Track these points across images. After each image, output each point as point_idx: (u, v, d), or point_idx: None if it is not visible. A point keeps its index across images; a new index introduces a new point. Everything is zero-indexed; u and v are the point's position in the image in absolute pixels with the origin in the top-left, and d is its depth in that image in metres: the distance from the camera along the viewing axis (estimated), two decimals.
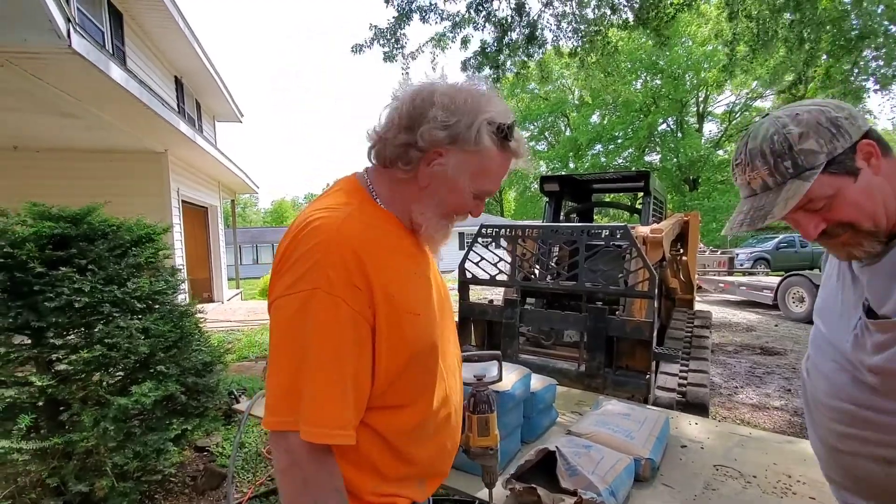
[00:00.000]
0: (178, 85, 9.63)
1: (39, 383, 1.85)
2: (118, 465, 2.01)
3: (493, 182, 0.91)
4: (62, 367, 1.92)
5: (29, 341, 1.99)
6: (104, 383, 2.04)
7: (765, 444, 1.92)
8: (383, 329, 0.79)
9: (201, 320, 2.74)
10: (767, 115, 0.83)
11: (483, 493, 1.56)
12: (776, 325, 7.77)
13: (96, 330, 2.03)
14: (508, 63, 6.63)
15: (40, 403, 1.90)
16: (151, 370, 2.27)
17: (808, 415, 0.94)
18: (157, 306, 2.39)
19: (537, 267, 3.05)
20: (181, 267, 5.81)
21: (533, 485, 1.43)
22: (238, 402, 3.49)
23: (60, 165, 6.21)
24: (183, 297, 2.68)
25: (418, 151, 0.85)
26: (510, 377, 1.75)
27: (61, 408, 2.02)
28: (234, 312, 9.11)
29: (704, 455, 1.83)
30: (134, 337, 2.14)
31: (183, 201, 7.73)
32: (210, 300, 9.92)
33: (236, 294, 11.99)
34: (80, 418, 1.92)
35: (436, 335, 0.90)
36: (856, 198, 0.74)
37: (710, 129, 27.97)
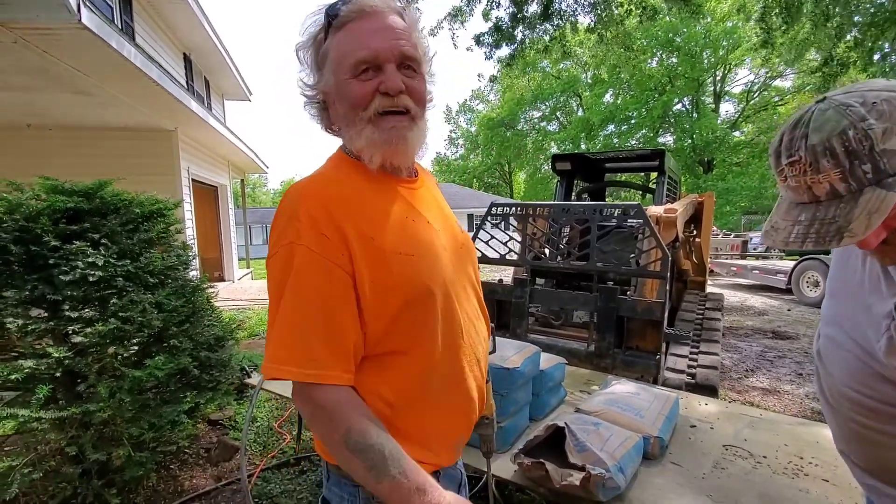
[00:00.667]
0: (187, 62, 9.56)
1: (57, 355, 1.88)
2: (134, 435, 2.06)
3: (364, 45, 0.81)
4: (78, 339, 1.95)
5: (45, 314, 2.02)
6: (119, 356, 2.08)
7: (776, 425, 1.91)
8: (364, 272, 0.80)
9: (212, 296, 2.76)
10: (824, 99, 0.67)
11: (493, 467, 1.57)
12: (789, 310, 7.68)
13: (111, 304, 2.06)
14: (526, 41, 6.46)
15: (58, 375, 1.93)
16: (165, 344, 2.30)
17: (823, 397, 0.91)
18: (169, 281, 2.41)
19: (548, 246, 3.02)
20: (192, 244, 5.86)
21: (541, 460, 1.43)
22: (249, 377, 3.55)
23: (72, 143, 6.25)
24: (194, 274, 2.70)
25: (315, 104, 0.90)
26: (519, 354, 1.75)
27: (78, 379, 2.06)
28: (245, 291, 9.22)
29: (714, 435, 1.83)
30: (147, 311, 2.17)
31: (193, 180, 7.75)
32: (221, 279, 10.05)
33: (247, 273, 12.11)
34: (97, 390, 1.95)
35: (439, 278, 0.88)
36: None
37: (727, 109, 27.28)
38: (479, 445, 1.18)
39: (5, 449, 2.20)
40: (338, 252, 0.79)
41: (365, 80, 0.81)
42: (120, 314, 2.07)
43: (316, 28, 0.86)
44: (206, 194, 9.73)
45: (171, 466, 2.63)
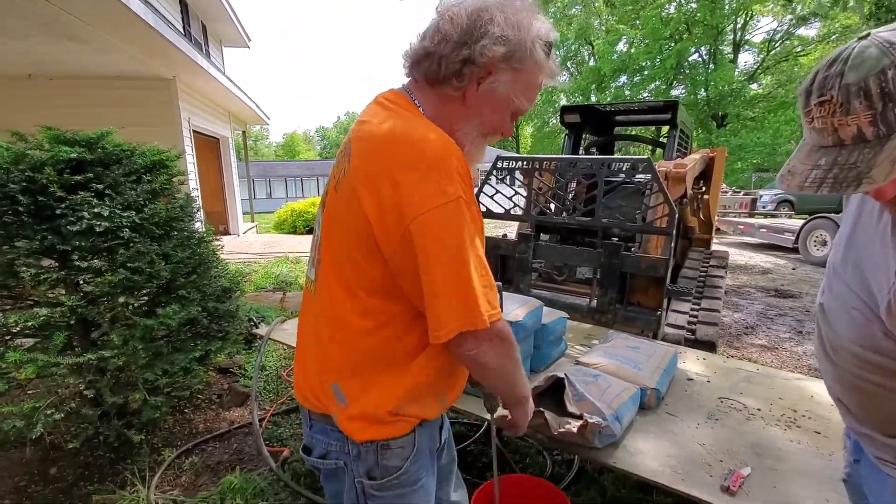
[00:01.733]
0: (184, 6, 9.16)
1: (69, 303, 1.93)
2: (149, 380, 2.14)
3: (532, 99, 0.92)
4: (89, 288, 1.99)
5: (56, 264, 2.05)
6: (130, 305, 2.12)
7: (772, 380, 1.95)
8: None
9: (218, 248, 2.78)
10: (867, 35, 0.62)
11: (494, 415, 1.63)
12: (794, 269, 7.68)
13: (118, 254, 2.08)
14: None
15: (72, 323, 1.99)
16: (173, 294, 2.35)
17: (822, 351, 0.92)
18: (174, 233, 2.42)
19: (553, 202, 2.99)
20: (196, 196, 5.85)
21: (541, 409, 1.48)
22: (257, 327, 3.64)
23: (73, 93, 6.14)
24: (199, 226, 2.71)
25: (474, 67, 0.84)
26: (522, 308, 1.77)
27: (92, 328, 2.12)
28: (251, 245, 9.29)
29: (710, 388, 1.87)
30: (155, 262, 2.19)
31: (194, 131, 7.63)
32: (226, 233, 10.11)
33: (251, 227, 12.17)
34: (110, 337, 2.01)
35: None
36: None
37: (745, 60, 26.07)
38: (484, 402, 1.22)
39: (28, 392, 2.30)
40: (475, 211, 0.85)
41: (507, 118, 0.93)
42: (128, 265, 2.10)
43: (536, 34, 0.85)
44: (208, 146, 9.61)
45: (186, 410, 2.75)
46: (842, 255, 0.86)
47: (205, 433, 2.56)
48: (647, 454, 1.42)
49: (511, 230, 4.05)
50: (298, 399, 0.99)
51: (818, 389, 1.85)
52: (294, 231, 12.11)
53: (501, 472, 1.76)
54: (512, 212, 3.04)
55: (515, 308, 1.76)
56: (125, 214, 2.13)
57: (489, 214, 3.13)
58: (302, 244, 9.69)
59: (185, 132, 6.98)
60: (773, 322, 4.88)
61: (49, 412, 1.91)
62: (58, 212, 1.98)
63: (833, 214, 8.90)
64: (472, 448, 2.41)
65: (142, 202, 2.24)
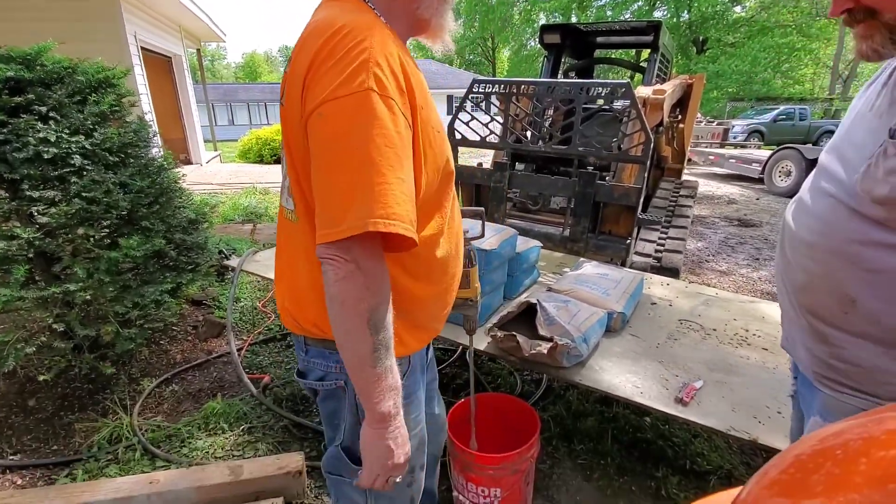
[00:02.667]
0: None
1: (25, 236, 1.82)
2: (120, 313, 2.11)
3: None
4: (44, 220, 1.88)
5: (6, 195, 1.92)
6: (91, 238, 2.03)
7: (728, 303, 2.07)
8: (419, 138, 0.78)
9: (180, 176, 2.64)
10: None
11: (466, 340, 1.69)
12: (758, 199, 7.95)
13: (72, 183, 1.95)
14: None
15: (31, 256, 1.90)
16: (136, 226, 2.25)
17: (781, 259, 0.91)
18: (130, 160, 2.27)
19: (530, 129, 2.92)
20: (150, 121, 5.47)
21: (513, 332, 1.54)
22: (228, 259, 3.58)
23: (4, 5, 5.40)
24: (157, 152, 2.54)
25: None
26: (497, 237, 1.78)
27: (52, 261, 2.03)
28: (215, 175, 8.90)
29: (671, 311, 1.98)
30: (112, 192, 2.07)
31: (142, 48, 6.95)
32: (187, 162, 9.59)
33: (215, 156, 11.57)
34: (74, 270, 1.94)
35: (450, 157, 0.91)
36: None
37: None
38: (461, 323, 1.26)
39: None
40: (408, 112, 0.75)
41: None
42: (83, 194, 1.97)
43: None
44: (160, 65, 8.81)
45: (162, 342, 2.76)
46: (828, 148, 0.85)
47: (183, 363, 2.59)
48: (610, 372, 1.52)
49: (486, 158, 3.98)
50: (290, 327, 0.97)
51: (770, 311, 1.98)
52: (261, 160, 11.58)
53: (476, 392, 1.87)
54: (488, 139, 2.97)
55: (490, 237, 1.78)
56: (73, 139, 1.97)
57: (464, 142, 3.05)
58: (270, 174, 9.34)
59: (132, 48, 6.35)
60: (734, 250, 5.12)
61: (19, 346, 1.88)
62: (0, 137, 1.81)
63: (800, 145, 9.09)
64: (448, 371, 2.54)
65: (90, 126, 2.07)
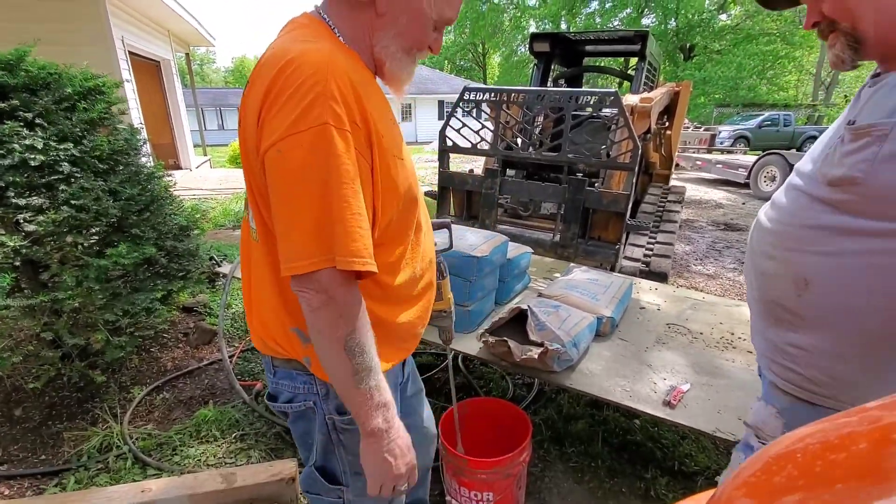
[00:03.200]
0: None
1: (12, 244, 1.81)
2: (109, 321, 2.09)
3: (454, 8, 0.85)
4: (31, 228, 1.87)
5: None
6: (79, 245, 2.02)
7: (715, 307, 2.11)
8: (377, 169, 0.79)
9: (171, 184, 2.63)
10: None
11: (461, 346, 1.71)
12: (744, 203, 8.08)
13: (60, 190, 1.94)
14: None
15: (17, 264, 1.88)
16: (126, 234, 2.24)
17: (748, 254, 0.95)
18: (120, 167, 2.26)
19: (520, 136, 2.96)
20: (140, 128, 5.44)
21: (504, 338, 1.56)
22: (219, 265, 3.56)
23: None
24: (146, 160, 2.53)
25: None
26: (488, 244, 1.80)
27: (40, 269, 2.01)
28: (205, 180, 8.84)
29: (659, 315, 2.02)
30: (102, 199, 2.06)
31: (130, 53, 6.90)
32: (177, 167, 9.51)
33: (204, 161, 11.49)
34: (62, 278, 1.93)
35: (416, 183, 0.91)
36: None
37: None
38: (440, 335, 1.27)
39: None
40: (365, 143, 0.76)
41: (433, 32, 0.86)
42: (72, 202, 1.96)
43: None
44: (148, 70, 8.75)
45: (152, 349, 2.74)
46: (803, 162, 0.89)
47: (174, 371, 2.58)
48: (600, 375, 1.55)
49: (477, 165, 4.01)
50: (258, 347, 0.97)
51: None
52: None
53: (468, 396, 1.88)
54: (479, 146, 3.00)
55: (482, 243, 1.80)
56: (62, 147, 1.96)
57: (455, 149, 3.07)
58: None
59: (120, 53, 6.30)
60: (721, 254, 5.20)
61: (5, 355, 1.86)
62: None
63: (785, 151, 9.26)
64: (439, 376, 2.55)
65: (79, 133, 2.06)
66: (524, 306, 1.66)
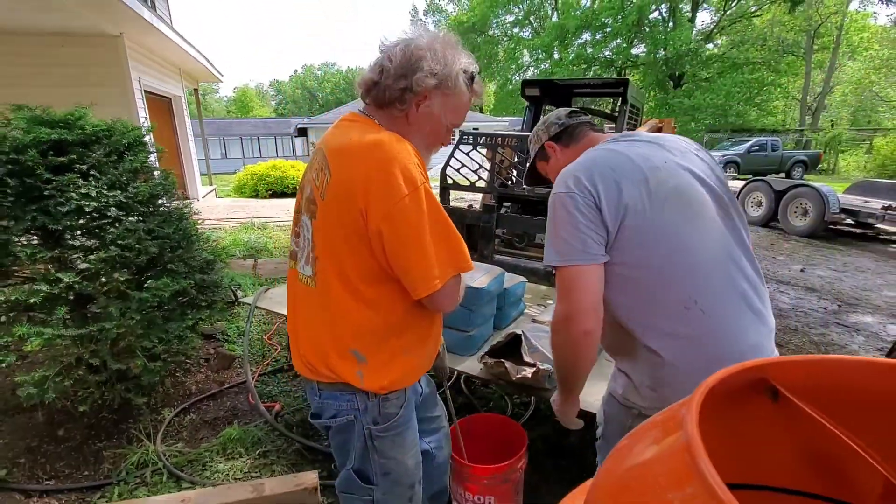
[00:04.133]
0: None
1: (67, 280, 2.05)
2: (146, 348, 2.32)
3: (461, 116, 1.19)
4: (83, 266, 2.12)
5: (48, 243, 2.15)
6: (123, 279, 2.26)
7: None
8: None
9: (199, 222, 2.90)
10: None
11: (460, 365, 1.95)
12: None
13: (108, 232, 2.19)
14: None
15: (71, 297, 2.12)
16: (160, 268, 2.49)
17: None
18: (157, 209, 2.53)
19: (514, 174, 3.24)
20: (153, 161, 5.76)
21: (501, 359, 1.80)
22: (236, 296, 3.80)
23: (13, 51, 5.72)
24: (176, 202, 2.80)
25: (412, 94, 1.08)
26: (487, 276, 2.06)
27: (87, 302, 2.26)
28: (213, 210, 9.13)
29: None
30: (143, 238, 2.32)
31: (145, 91, 7.29)
32: (185, 197, 9.79)
33: (210, 191, 11.82)
34: (108, 310, 2.17)
35: None
36: None
37: (703, 19, 26.54)
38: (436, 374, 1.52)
39: (27, 361, 2.43)
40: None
41: (446, 132, 1.20)
42: (118, 242, 2.22)
43: (459, 67, 1.11)
44: (161, 106, 9.16)
45: (177, 374, 2.95)
46: None
47: (198, 393, 2.79)
48: (590, 393, 1.77)
49: (476, 200, 4.30)
50: (304, 374, 1.20)
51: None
52: (256, 195, 11.87)
53: (471, 413, 2.10)
54: (477, 184, 3.29)
55: (481, 276, 2.05)
56: (111, 194, 2.23)
57: (456, 186, 3.36)
58: (266, 209, 9.60)
59: (137, 93, 6.68)
60: None
61: (58, 379, 2.08)
62: (45, 192, 2.07)
63: (770, 176, 9.61)
64: (445, 394, 2.76)
65: (125, 181, 2.34)
66: (518, 331, 1.90)
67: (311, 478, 1.94)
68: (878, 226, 7.37)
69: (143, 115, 6.86)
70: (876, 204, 7.24)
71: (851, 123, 24.49)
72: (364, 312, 1.10)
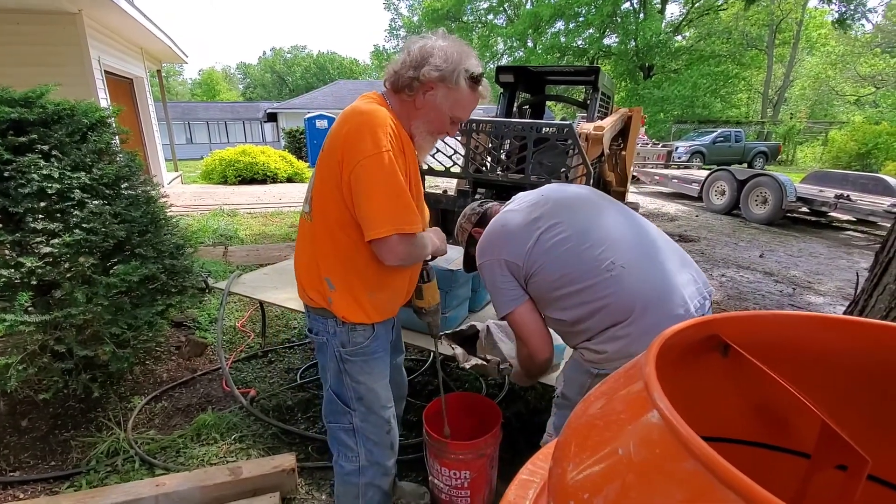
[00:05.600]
0: None
1: (29, 265, 1.98)
2: (115, 334, 2.27)
3: (465, 112, 1.35)
4: (47, 250, 2.04)
5: (9, 226, 2.07)
6: (88, 264, 2.19)
7: None
8: (406, 175, 1.30)
9: (167, 206, 2.83)
10: None
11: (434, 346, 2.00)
12: (697, 216, 8.69)
13: (72, 216, 2.12)
14: None
15: (34, 283, 2.05)
16: (128, 252, 2.43)
17: None
18: (123, 192, 2.45)
19: (489, 159, 3.28)
20: (115, 144, 5.52)
21: (454, 345, 1.88)
22: (207, 283, 3.72)
23: None
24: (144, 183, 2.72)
25: (419, 83, 1.28)
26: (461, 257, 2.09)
27: (52, 287, 2.18)
28: (179, 197, 8.85)
29: None
30: (109, 222, 2.25)
31: (106, 72, 6.96)
32: (153, 178, 9.46)
33: (176, 177, 11.44)
34: (74, 295, 2.10)
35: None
36: None
37: (672, 11, 27.06)
38: (426, 331, 1.57)
39: None
40: (401, 160, 1.27)
41: (450, 124, 1.36)
42: (83, 225, 2.15)
43: (463, 66, 1.27)
44: (122, 87, 8.76)
45: (147, 362, 2.89)
46: None
47: (170, 381, 2.74)
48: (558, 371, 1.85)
49: (451, 185, 4.32)
50: (301, 298, 1.45)
51: None
52: (224, 181, 11.47)
53: (447, 393, 2.15)
54: (451, 169, 3.31)
55: (456, 257, 2.09)
56: (75, 175, 2.15)
57: (430, 171, 3.37)
58: (236, 195, 9.37)
59: (97, 73, 6.38)
60: None
61: (21, 367, 2.01)
62: (6, 174, 1.98)
63: (733, 167, 9.97)
64: (420, 379, 2.81)
65: (89, 162, 2.25)
66: (480, 326, 1.98)
67: (288, 460, 1.96)
68: (831, 214, 7.78)
69: (103, 97, 6.56)
70: (829, 193, 7.64)
71: (809, 116, 25.56)
72: (336, 247, 1.32)
